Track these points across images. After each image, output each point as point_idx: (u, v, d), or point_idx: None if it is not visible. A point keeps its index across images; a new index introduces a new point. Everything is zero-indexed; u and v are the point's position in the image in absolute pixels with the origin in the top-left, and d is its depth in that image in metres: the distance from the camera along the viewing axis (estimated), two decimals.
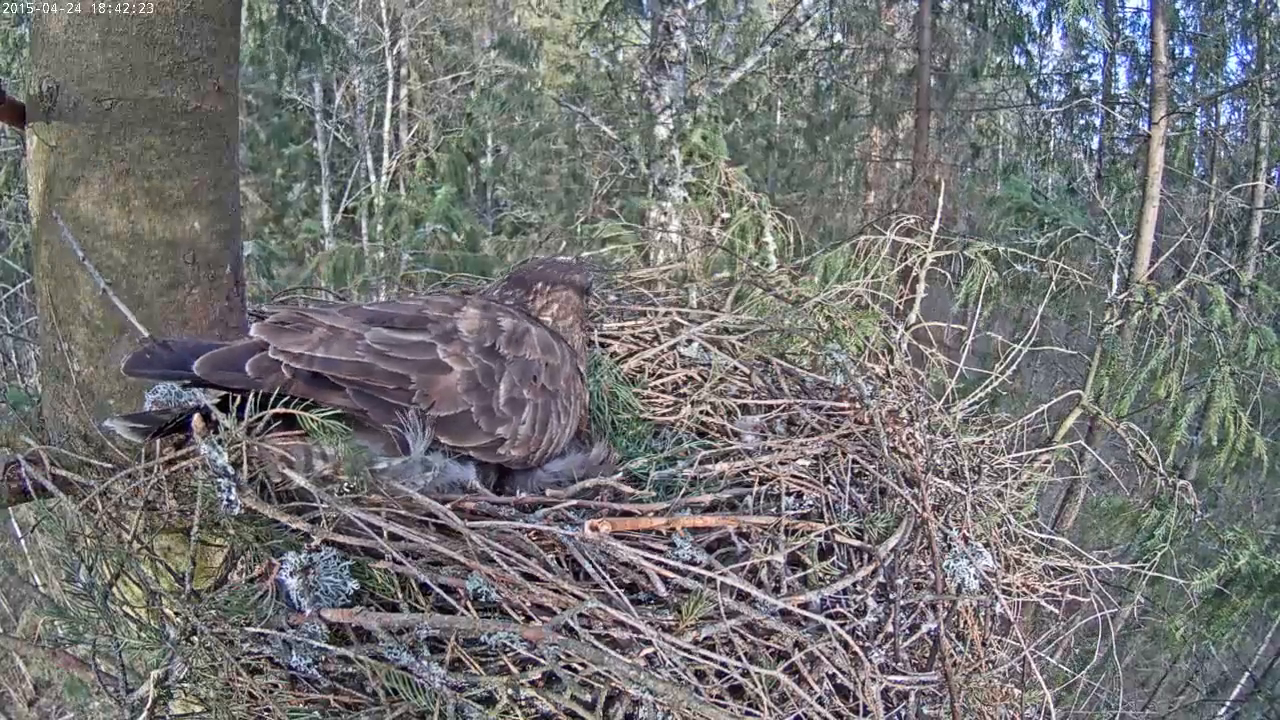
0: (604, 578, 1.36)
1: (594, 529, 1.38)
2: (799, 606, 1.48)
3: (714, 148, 5.68)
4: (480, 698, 1.28)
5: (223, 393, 1.33)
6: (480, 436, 1.53)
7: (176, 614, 1.32)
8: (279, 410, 1.30)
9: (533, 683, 1.28)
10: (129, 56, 1.46)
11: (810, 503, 1.69)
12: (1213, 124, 8.52)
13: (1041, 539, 2.13)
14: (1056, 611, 2.13)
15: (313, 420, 1.31)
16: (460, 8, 14.09)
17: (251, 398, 1.30)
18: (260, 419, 1.29)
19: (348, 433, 1.35)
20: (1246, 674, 6.55)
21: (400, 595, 1.33)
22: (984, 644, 1.82)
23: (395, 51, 12.32)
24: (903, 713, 1.55)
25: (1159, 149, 4.81)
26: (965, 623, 1.80)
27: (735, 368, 2.12)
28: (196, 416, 1.25)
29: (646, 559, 1.40)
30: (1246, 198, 6.54)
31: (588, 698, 1.27)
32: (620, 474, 1.69)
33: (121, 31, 1.45)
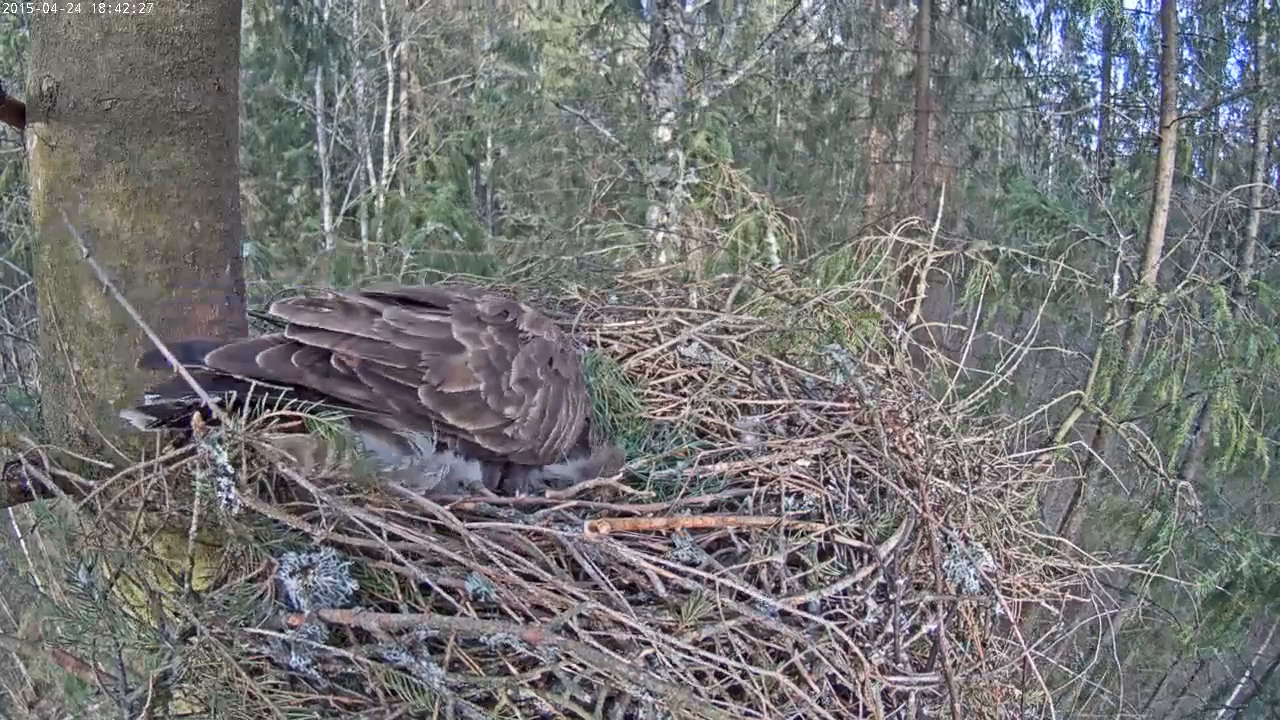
0: (603, 578, 1.36)
1: (594, 530, 1.38)
2: (799, 607, 1.48)
3: (718, 150, 5.68)
4: (479, 698, 1.28)
5: (224, 391, 1.33)
6: (488, 418, 1.53)
7: (176, 614, 1.31)
8: (285, 413, 1.30)
9: (532, 683, 1.28)
10: (129, 56, 1.46)
11: (810, 503, 1.68)
12: (1212, 126, 8.52)
13: (1042, 539, 2.12)
14: (1057, 612, 2.12)
15: (320, 424, 1.31)
16: (460, 11, 14.11)
17: (253, 394, 1.30)
18: (266, 419, 1.30)
19: (355, 437, 1.35)
20: (1246, 675, 6.54)
21: (400, 596, 1.33)
22: (984, 645, 1.81)
23: (395, 54, 12.33)
24: (903, 713, 1.54)
25: (1170, 152, 4.80)
26: (965, 623, 1.80)
27: (735, 368, 2.12)
28: (196, 415, 1.26)
29: (646, 559, 1.40)
30: (1245, 197, 6.54)
31: (587, 698, 1.27)
32: (620, 474, 1.68)
33: (122, 31, 1.45)
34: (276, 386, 1.34)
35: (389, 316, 1.46)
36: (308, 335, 1.39)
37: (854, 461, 1.80)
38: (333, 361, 1.39)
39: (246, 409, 1.29)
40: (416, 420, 1.48)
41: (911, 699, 1.55)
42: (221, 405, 1.29)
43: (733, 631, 1.38)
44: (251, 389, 1.30)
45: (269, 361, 1.34)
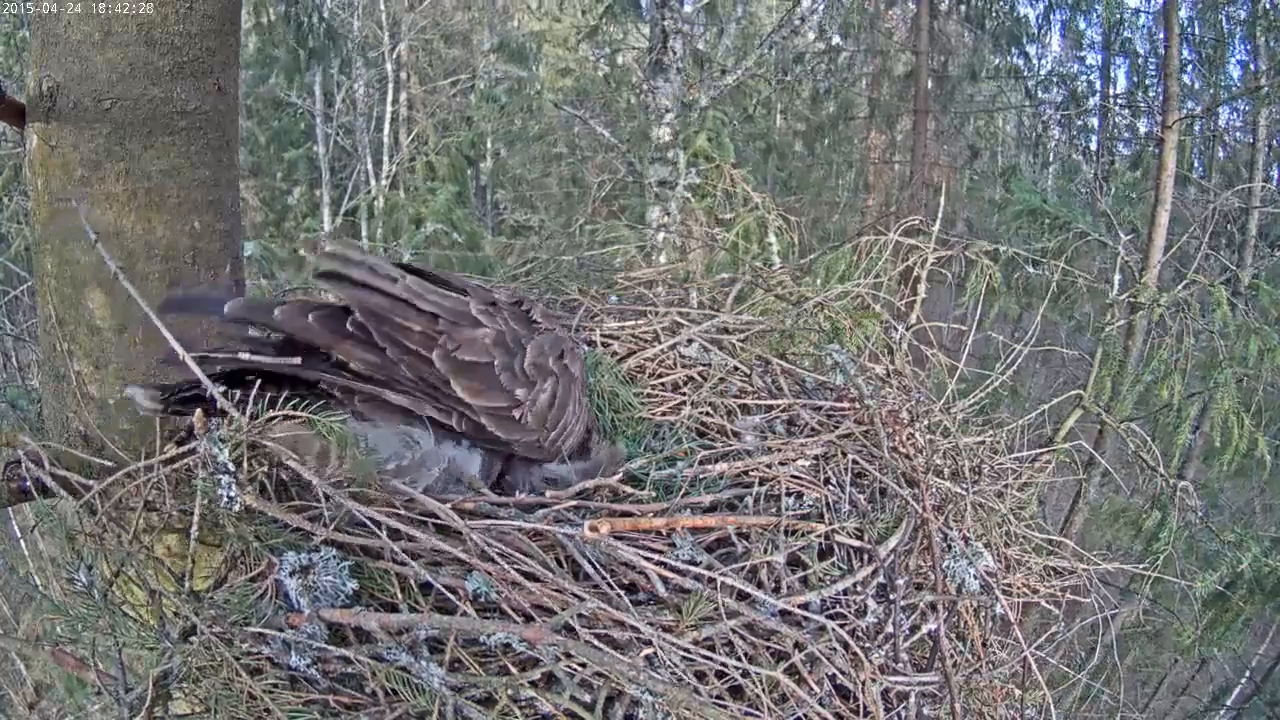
0: (604, 578, 1.36)
1: (594, 529, 1.38)
2: (799, 607, 1.48)
3: (719, 150, 5.69)
4: (479, 698, 1.28)
5: (224, 388, 1.33)
6: (498, 395, 1.51)
7: (176, 614, 1.32)
8: (288, 412, 1.30)
9: (532, 683, 1.28)
10: (129, 56, 1.46)
11: (810, 503, 1.68)
12: (1212, 125, 8.52)
13: (1043, 539, 2.12)
14: (1058, 612, 2.13)
15: (322, 423, 1.31)
16: (460, 11, 14.11)
17: (256, 393, 1.30)
18: (269, 417, 1.30)
19: (357, 436, 1.35)
20: (1246, 675, 6.54)
21: (400, 595, 1.33)
22: (984, 644, 1.81)
23: (395, 55, 12.34)
24: (903, 713, 1.54)
25: (1172, 152, 4.79)
26: (965, 623, 1.80)
27: (735, 368, 2.12)
28: (198, 412, 1.26)
29: (646, 559, 1.40)
30: (1244, 197, 6.55)
31: (587, 698, 1.27)
32: (620, 474, 1.68)
33: (121, 31, 1.45)
34: (280, 374, 1.34)
35: (412, 283, 1.47)
36: (334, 282, 1.39)
37: (854, 461, 1.80)
38: (349, 324, 1.38)
39: (249, 407, 1.30)
40: (425, 393, 1.46)
41: (911, 699, 1.55)
42: (226, 396, 1.29)
43: (733, 631, 1.38)
44: (256, 387, 1.30)
45: (286, 315, 1.34)
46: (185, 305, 1.34)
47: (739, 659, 1.36)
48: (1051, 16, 9.12)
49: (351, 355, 1.38)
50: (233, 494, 1.23)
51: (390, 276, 1.46)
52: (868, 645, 1.54)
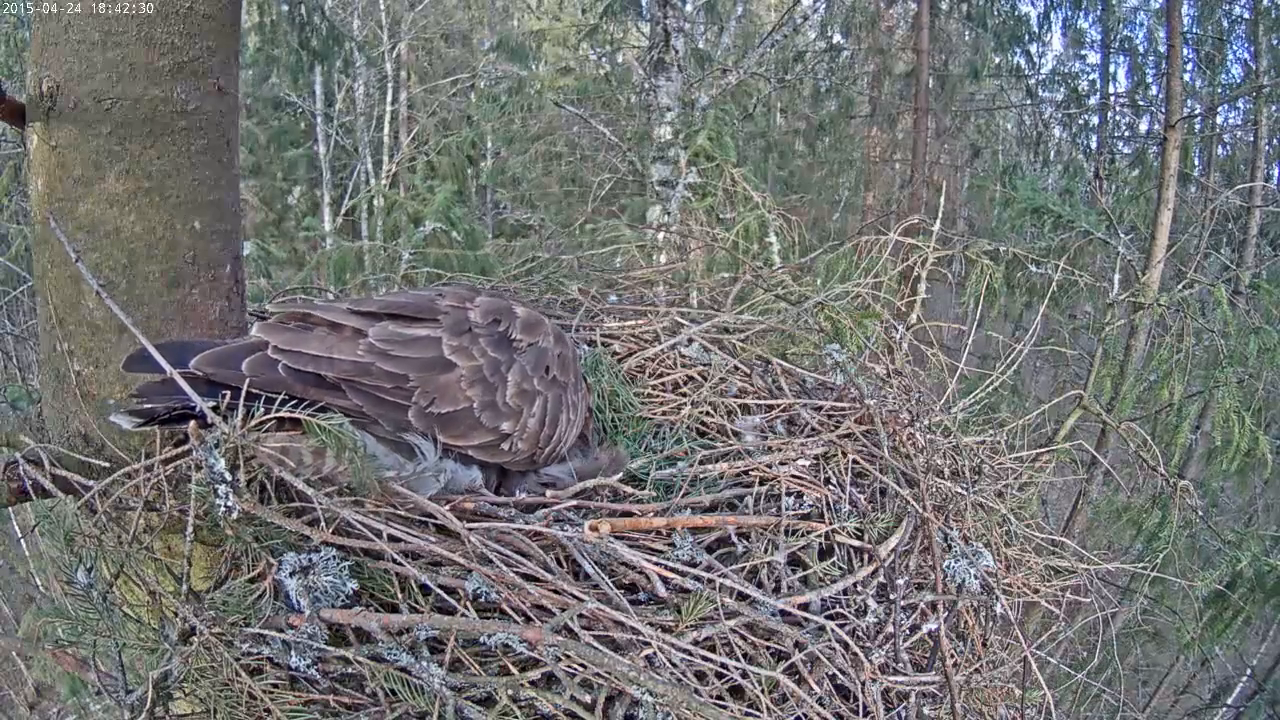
0: (603, 578, 1.36)
1: (594, 529, 1.38)
2: (799, 607, 1.48)
3: (721, 149, 5.67)
4: (479, 698, 1.28)
5: (218, 394, 1.32)
6: (482, 434, 1.52)
7: (176, 614, 1.32)
8: (284, 414, 1.30)
9: (532, 683, 1.28)
10: (129, 56, 1.46)
11: (810, 503, 1.68)
12: (1212, 123, 8.51)
13: (1043, 539, 2.12)
14: (1058, 612, 2.13)
15: (319, 427, 1.30)
16: (460, 10, 14.10)
17: (244, 398, 1.29)
18: (262, 422, 1.29)
19: (355, 439, 1.35)
20: (1248, 673, 6.54)
21: (400, 596, 1.33)
22: (984, 644, 1.81)
23: (395, 54, 12.33)
24: (903, 713, 1.54)
25: (1175, 152, 4.77)
26: (966, 623, 1.80)
27: (735, 367, 2.12)
28: (193, 423, 1.25)
29: (646, 559, 1.40)
30: (1244, 195, 6.54)
31: (587, 698, 1.27)
32: (620, 474, 1.68)
33: (121, 31, 1.45)
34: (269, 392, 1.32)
35: (376, 335, 1.43)
36: (291, 358, 1.36)
37: (854, 461, 1.80)
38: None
39: (242, 411, 1.29)
40: (412, 431, 1.47)
41: (911, 699, 1.55)
42: (216, 409, 1.28)
43: (733, 631, 1.38)
44: (244, 392, 1.29)
45: (255, 368, 1.32)
46: (150, 362, 1.29)
47: (739, 659, 1.36)
48: (1053, 15, 9.11)
49: (330, 404, 1.36)
50: (230, 503, 1.23)
51: (356, 331, 1.43)
52: (868, 645, 1.54)
